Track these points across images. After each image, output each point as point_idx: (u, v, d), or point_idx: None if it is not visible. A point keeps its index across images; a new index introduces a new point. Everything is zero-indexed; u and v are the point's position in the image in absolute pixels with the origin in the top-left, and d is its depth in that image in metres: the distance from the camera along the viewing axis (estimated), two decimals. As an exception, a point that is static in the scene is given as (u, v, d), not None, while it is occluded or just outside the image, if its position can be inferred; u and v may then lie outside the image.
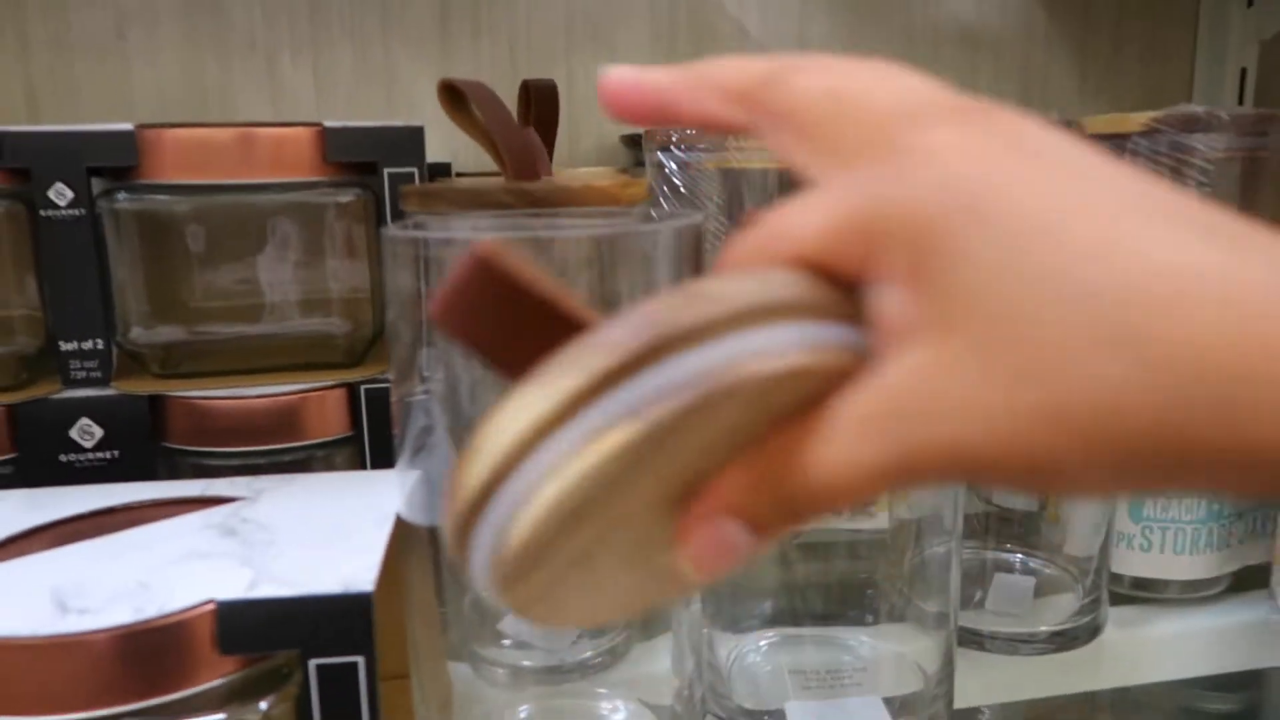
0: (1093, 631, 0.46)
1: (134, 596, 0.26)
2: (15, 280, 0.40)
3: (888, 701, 0.39)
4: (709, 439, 0.17)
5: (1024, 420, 0.13)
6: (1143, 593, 0.48)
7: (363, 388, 0.43)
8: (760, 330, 0.16)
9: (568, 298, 0.17)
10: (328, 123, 0.42)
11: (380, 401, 0.43)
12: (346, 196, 0.42)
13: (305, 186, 0.42)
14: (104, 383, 0.41)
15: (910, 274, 0.15)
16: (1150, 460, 0.13)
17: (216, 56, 0.61)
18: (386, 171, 0.42)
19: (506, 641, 0.39)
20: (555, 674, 0.40)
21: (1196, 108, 0.41)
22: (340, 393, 0.43)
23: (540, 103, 0.55)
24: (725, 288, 0.16)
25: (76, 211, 0.40)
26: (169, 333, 0.42)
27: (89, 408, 0.41)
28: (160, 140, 0.40)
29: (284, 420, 0.43)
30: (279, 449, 0.42)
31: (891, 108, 0.16)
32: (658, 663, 0.39)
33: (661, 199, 0.41)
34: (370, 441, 0.43)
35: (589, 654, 0.41)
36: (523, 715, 0.38)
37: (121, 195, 0.40)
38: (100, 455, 0.41)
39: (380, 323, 0.44)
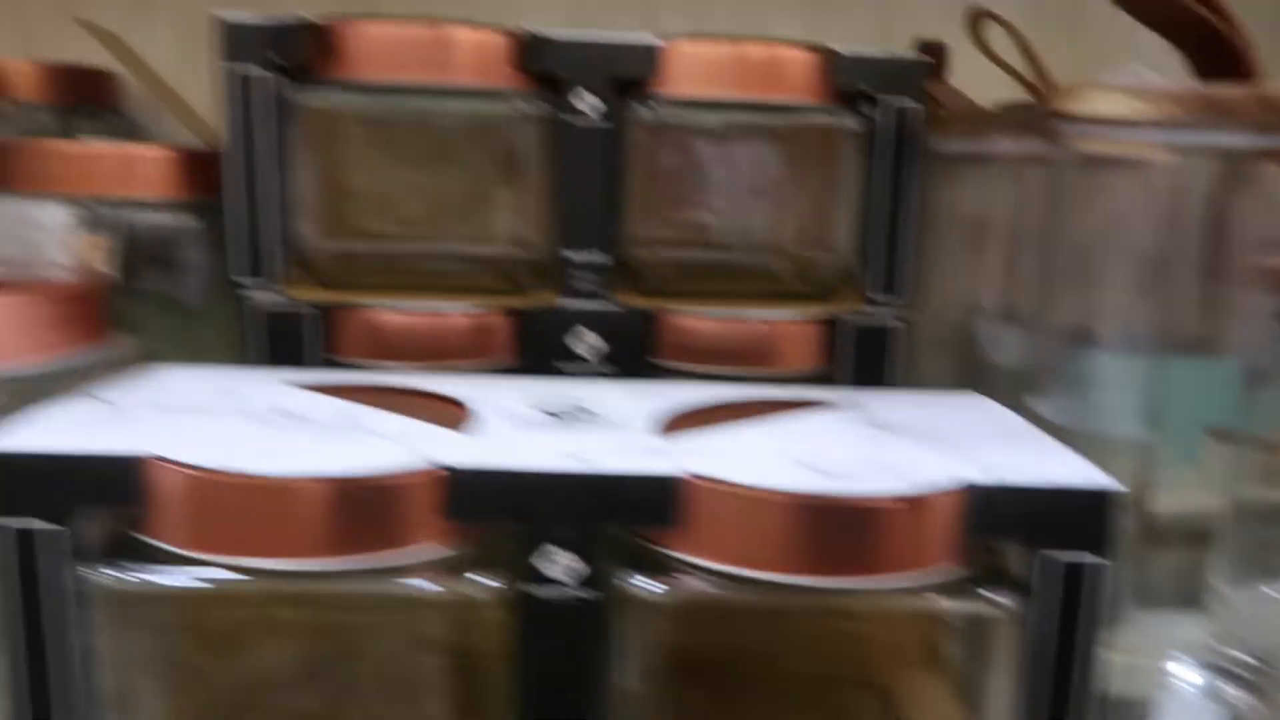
0: None
1: (886, 470, 0.26)
2: (536, 186, 0.40)
3: None
4: None
5: None
6: None
7: (839, 321, 0.42)
8: None
9: None
10: (837, 47, 0.41)
11: (862, 334, 0.42)
12: (850, 123, 0.41)
13: (808, 110, 0.41)
14: (603, 295, 0.41)
15: None
16: None
17: (601, 7, 0.61)
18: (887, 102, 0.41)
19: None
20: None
21: None
22: (814, 326, 0.42)
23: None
24: None
25: (603, 124, 0.40)
26: (669, 250, 0.41)
27: (587, 318, 0.41)
28: (680, 52, 0.40)
29: (766, 347, 0.42)
30: (761, 375, 0.42)
31: None
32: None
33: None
34: (856, 375, 0.42)
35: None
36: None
37: (641, 107, 0.40)
38: (596, 366, 0.41)
39: (862, 254, 0.43)
